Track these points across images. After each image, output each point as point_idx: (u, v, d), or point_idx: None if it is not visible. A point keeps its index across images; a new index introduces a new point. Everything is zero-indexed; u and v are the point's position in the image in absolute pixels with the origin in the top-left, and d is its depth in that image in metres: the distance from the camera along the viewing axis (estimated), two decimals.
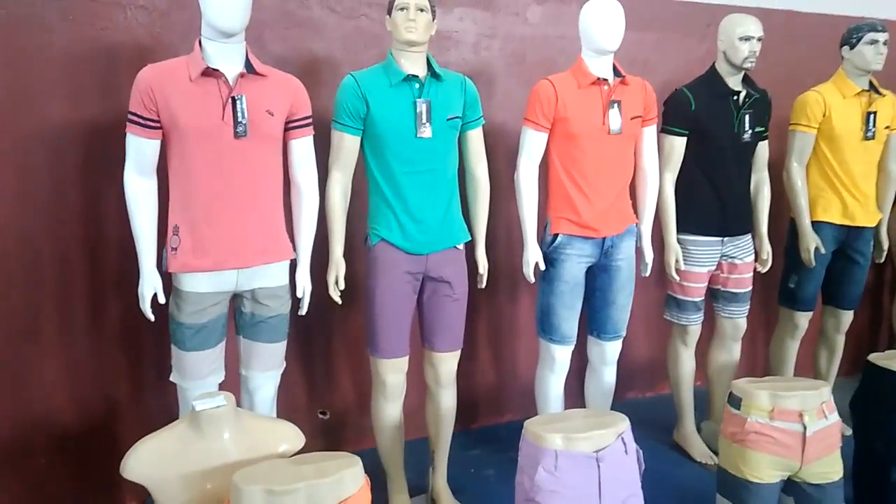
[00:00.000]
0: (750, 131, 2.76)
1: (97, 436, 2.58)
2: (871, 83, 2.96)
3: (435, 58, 2.97)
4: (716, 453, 2.78)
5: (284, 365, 2.32)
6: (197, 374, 2.12)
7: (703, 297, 2.91)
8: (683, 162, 2.80)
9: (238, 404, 2.30)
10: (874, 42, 2.83)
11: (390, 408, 2.45)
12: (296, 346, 2.92)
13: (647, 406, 3.56)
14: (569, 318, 2.60)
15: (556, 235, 2.56)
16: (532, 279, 2.60)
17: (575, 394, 3.08)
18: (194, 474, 1.78)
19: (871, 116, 2.92)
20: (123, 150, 2.06)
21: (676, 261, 2.81)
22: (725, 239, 2.84)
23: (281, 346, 2.25)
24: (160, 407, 2.61)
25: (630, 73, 3.16)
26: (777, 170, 3.09)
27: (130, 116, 2.01)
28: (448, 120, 2.29)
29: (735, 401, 2.22)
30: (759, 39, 2.66)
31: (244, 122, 2.01)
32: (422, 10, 2.20)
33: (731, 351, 3.04)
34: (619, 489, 1.91)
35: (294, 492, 1.59)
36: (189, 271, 2.05)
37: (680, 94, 2.75)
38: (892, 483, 2.38)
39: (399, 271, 2.31)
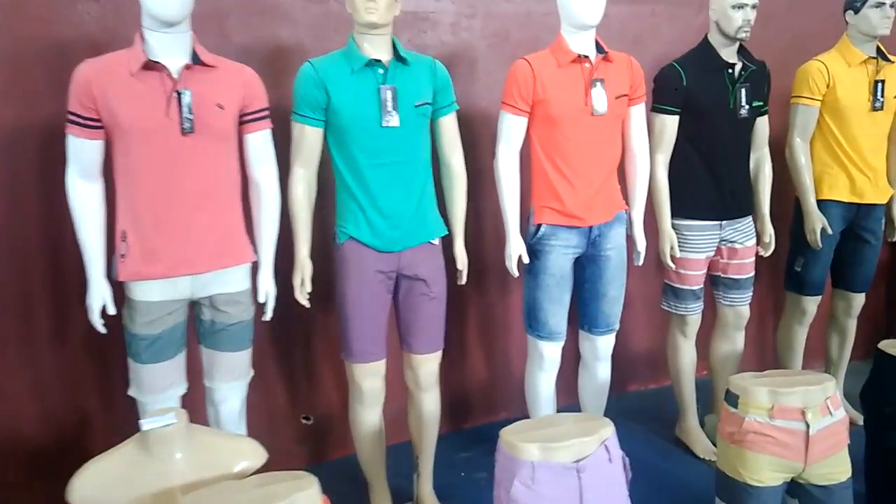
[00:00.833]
0: (747, 106, 2.57)
1: (68, 450, 2.48)
2: (878, 49, 2.75)
3: (411, 41, 2.85)
4: None
5: (251, 374, 2.20)
6: (155, 387, 2.00)
7: (701, 285, 2.74)
8: (676, 142, 2.62)
9: (205, 418, 2.19)
10: (880, 4, 2.62)
11: (368, 414, 2.33)
12: (276, 352, 2.81)
13: (649, 399, 3.41)
14: (556, 312, 2.45)
15: (539, 226, 2.41)
16: (515, 273, 2.45)
17: (575, 391, 2.94)
18: (144, 497, 1.67)
19: (880, 85, 2.72)
20: None
21: (671, 248, 2.64)
22: (724, 223, 2.67)
23: (244, 355, 2.12)
24: (135, 419, 2.51)
25: (621, 49, 2.99)
26: (781, 147, 2.90)
27: (69, 116, 1.89)
28: (416, 107, 2.13)
29: (732, 398, 2.06)
30: (754, 7, 2.47)
31: (191, 117, 1.87)
32: None
33: (734, 340, 2.87)
34: (604, 501, 1.77)
35: None
36: (139, 279, 1.92)
37: (670, 70, 2.57)
38: None
39: (369, 270, 2.17)
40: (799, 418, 1.96)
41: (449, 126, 2.28)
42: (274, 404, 2.84)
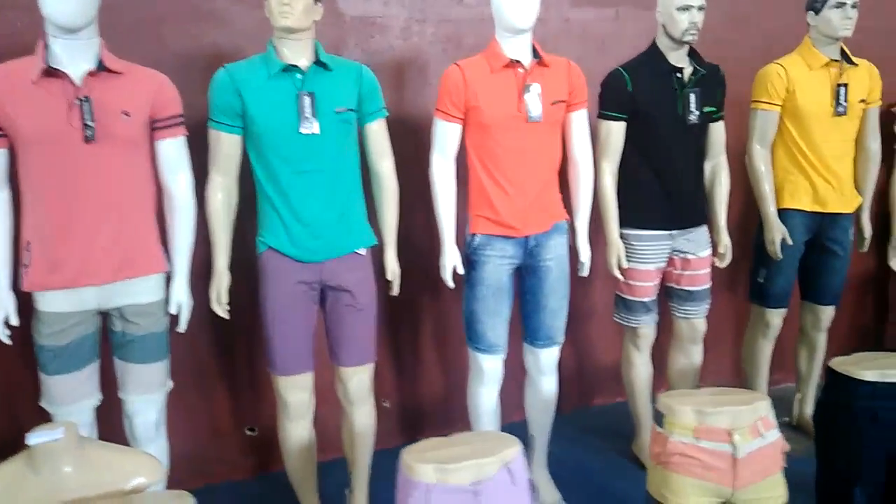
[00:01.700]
0: (697, 112, 2.47)
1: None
2: (842, 52, 2.64)
3: (358, 46, 2.80)
4: None
5: (168, 386, 2.15)
6: (64, 398, 1.97)
7: (653, 297, 2.64)
8: (625, 149, 2.53)
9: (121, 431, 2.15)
10: (841, 5, 2.51)
11: (295, 428, 2.27)
12: (220, 362, 2.77)
13: (613, 413, 3.31)
14: (494, 325, 2.37)
15: (473, 235, 2.34)
16: (450, 284, 2.38)
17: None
18: None
19: (842, 89, 2.60)
20: None
21: (619, 259, 2.55)
22: (674, 232, 2.57)
23: (158, 367, 2.08)
24: None
25: (586, 54, 2.91)
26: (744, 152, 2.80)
27: None
28: (337, 113, 2.08)
29: (659, 417, 1.97)
30: (701, 9, 2.38)
31: (92, 125, 1.84)
32: None
33: (690, 354, 2.77)
34: None
35: None
36: (42, 290, 1.89)
37: (615, 74, 2.49)
38: None
39: (290, 281, 2.12)
40: (725, 440, 1.86)
41: (377, 133, 2.22)
42: (218, 416, 2.80)
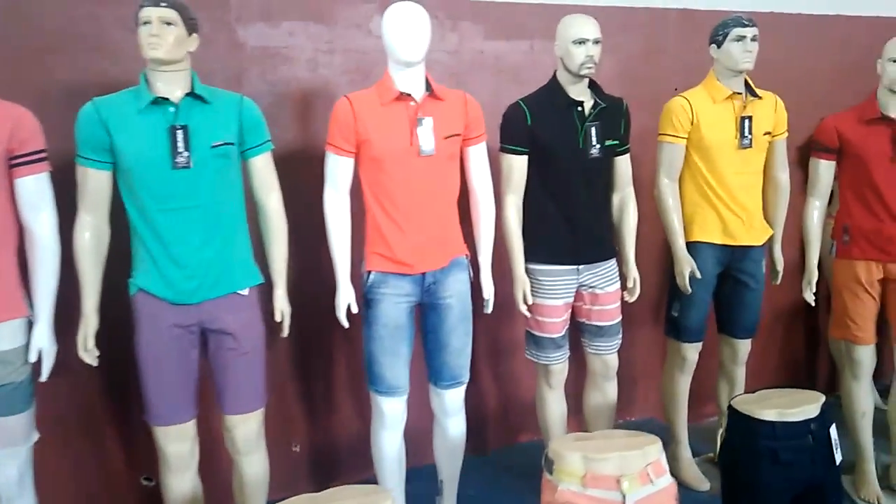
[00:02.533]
0: (598, 146, 2.44)
1: None
2: (746, 84, 2.63)
3: (261, 77, 2.71)
4: None
5: (33, 438, 2.01)
6: None
7: (562, 333, 2.57)
8: (528, 183, 2.48)
9: None
10: (741, 38, 2.51)
11: (177, 481, 2.14)
12: (110, 409, 2.61)
13: (538, 451, 3.20)
14: (393, 365, 2.28)
15: (369, 273, 2.25)
16: (345, 323, 2.29)
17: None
18: None
19: (746, 122, 2.59)
20: None
21: (525, 294, 2.48)
22: (581, 267, 2.51)
23: (19, 420, 1.93)
24: None
25: (499, 86, 2.85)
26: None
27: None
28: (213, 147, 1.99)
29: (548, 464, 1.89)
30: (596, 42, 2.35)
31: None
32: (169, 24, 1.91)
33: (604, 391, 2.70)
34: None
35: None
36: None
37: (514, 108, 2.44)
38: None
39: (163, 325, 2.00)
40: (614, 487, 1.79)
41: (261, 167, 2.13)
42: (109, 464, 2.64)
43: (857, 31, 3.67)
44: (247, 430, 2.16)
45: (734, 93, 2.58)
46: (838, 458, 2.12)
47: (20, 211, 1.93)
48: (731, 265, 2.72)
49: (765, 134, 2.63)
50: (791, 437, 2.04)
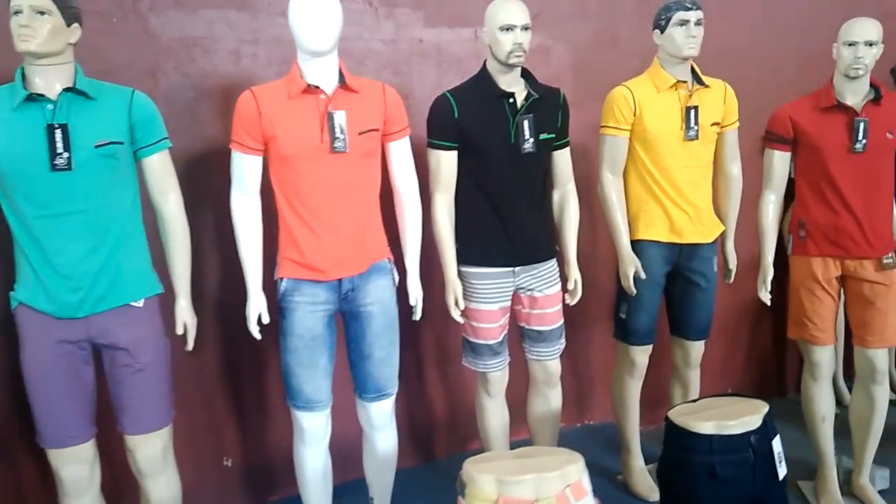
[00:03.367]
0: (532, 140, 2.28)
1: None
2: (693, 72, 2.48)
3: (179, 69, 2.54)
4: None
5: None
6: None
7: (499, 339, 2.42)
8: (459, 180, 2.33)
9: None
10: (684, 23, 2.35)
11: None
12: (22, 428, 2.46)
13: None
14: (311, 378, 2.13)
15: (281, 280, 2.10)
16: (256, 334, 2.14)
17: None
18: None
19: (692, 112, 2.43)
20: None
21: (457, 299, 2.33)
22: (516, 269, 2.37)
23: None
24: None
25: (442, 76, 2.69)
26: None
27: None
28: (98, 147, 1.83)
29: (461, 486, 1.74)
30: (525, 29, 2.19)
31: None
32: (43, 14, 1.74)
33: (547, 399, 2.56)
34: None
35: None
36: None
37: (441, 101, 2.28)
38: None
39: (49, 340, 1.85)
40: None
41: (155, 167, 1.97)
42: (19, 486, 2.48)
43: (824, 13, 3.52)
44: (150, 451, 2.01)
45: (679, 81, 2.42)
46: (782, 472, 1.98)
47: None
48: (679, 264, 2.57)
49: (713, 124, 2.48)
50: (729, 451, 1.90)
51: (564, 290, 2.47)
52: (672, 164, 2.46)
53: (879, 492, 2.71)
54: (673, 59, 2.41)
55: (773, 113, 2.61)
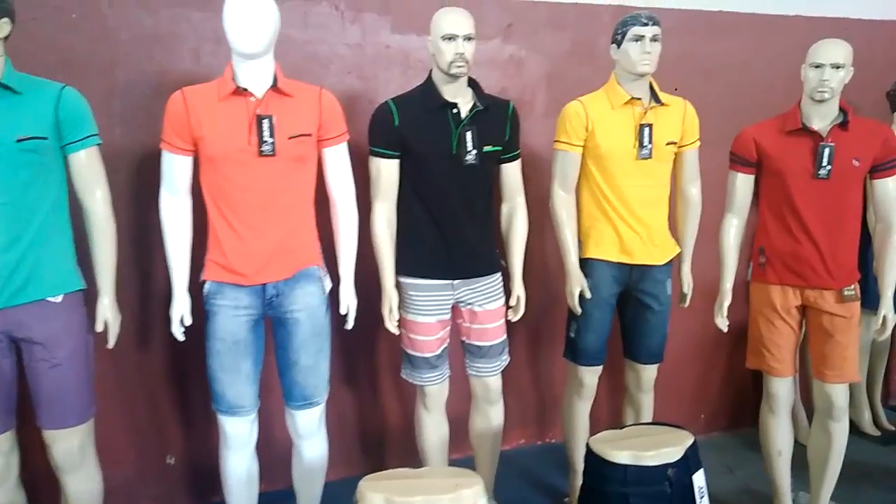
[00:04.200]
0: (475, 151, 2.24)
1: None
2: (651, 89, 2.41)
3: (139, 66, 2.54)
4: None
5: None
6: None
7: (437, 352, 2.38)
8: (401, 190, 2.30)
9: None
10: (639, 38, 2.29)
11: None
12: None
13: None
14: (234, 383, 2.12)
15: (205, 282, 2.09)
16: (179, 336, 2.13)
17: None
18: None
19: (646, 130, 2.37)
20: None
21: (391, 310, 2.30)
22: (456, 282, 2.32)
23: None
24: None
25: (408, 82, 2.67)
26: None
27: None
28: (19, 142, 1.83)
29: None
30: (468, 38, 2.15)
31: None
32: None
33: (488, 416, 2.51)
34: None
35: None
36: None
37: (382, 108, 2.25)
38: None
39: None
40: None
41: (82, 164, 1.97)
42: None
43: (820, 33, 3.42)
44: (66, 446, 2.01)
45: (634, 98, 2.36)
46: None
47: None
48: (630, 285, 2.50)
49: (668, 144, 2.40)
50: (644, 482, 1.84)
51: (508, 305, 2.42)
52: (624, 183, 2.39)
53: None
54: (629, 76, 2.35)
55: (738, 134, 2.53)
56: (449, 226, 2.27)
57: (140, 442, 2.70)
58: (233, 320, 2.07)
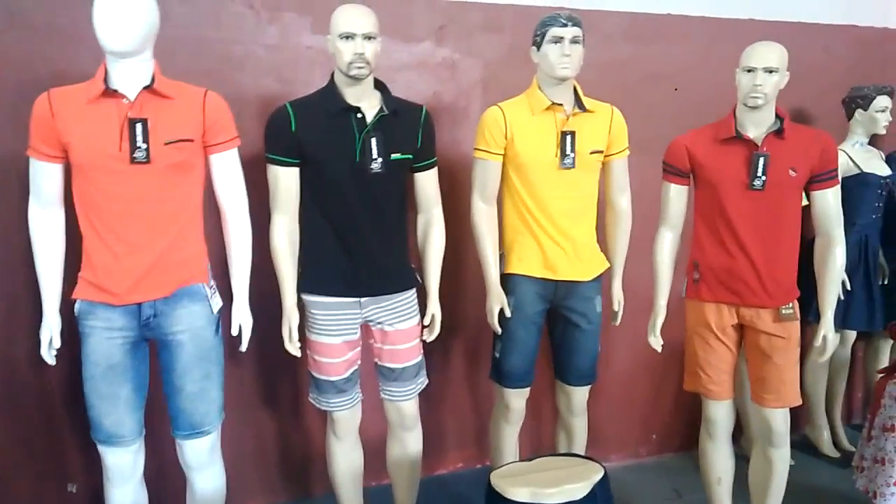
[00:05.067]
0: (380, 159, 2.07)
1: None
2: (576, 94, 2.26)
3: (48, 63, 2.36)
4: None
5: None
6: None
7: (344, 376, 2.22)
8: (303, 201, 2.13)
9: None
10: (558, 40, 2.14)
11: None
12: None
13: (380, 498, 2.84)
14: (110, 411, 1.94)
15: (75, 301, 1.92)
16: (49, 361, 1.97)
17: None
18: None
19: (568, 138, 2.21)
20: None
21: (290, 330, 2.13)
22: (363, 300, 2.16)
23: None
24: None
25: (394, 86, 2.51)
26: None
27: None
28: None
29: None
30: (369, 38, 2.00)
31: None
32: None
33: (404, 443, 2.34)
34: None
35: None
36: None
37: (278, 112, 2.09)
38: None
39: None
40: None
41: None
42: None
43: (775, 37, 3.28)
44: None
45: (555, 104, 2.20)
46: None
47: None
48: (556, 302, 2.35)
49: (593, 152, 2.25)
50: None
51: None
52: (547, 194, 2.23)
53: None
54: (550, 80, 2.20)
55: (671, 142, 2.38)
56: (353, 239, 2.11)
57: (38, 469, 2.52)
58: (106, 343, 1.90)
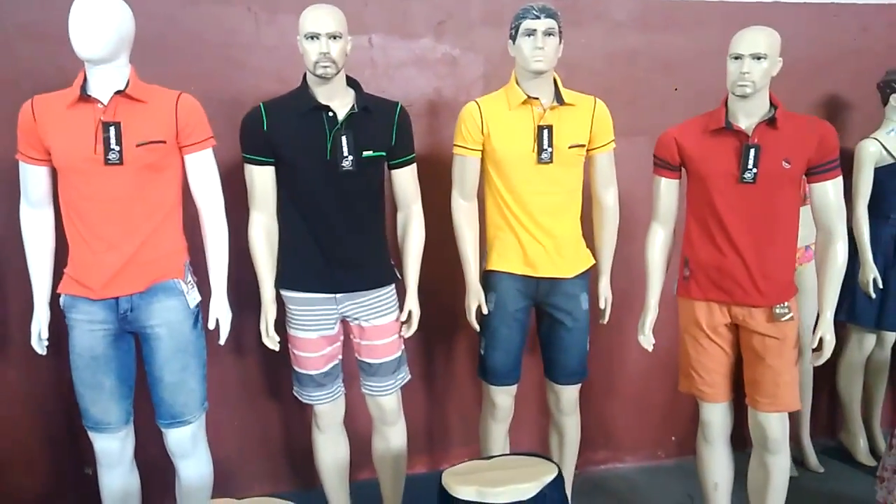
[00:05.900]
0: (351, 157, 2.09)
1: None
2: (556, 87, 2.21)
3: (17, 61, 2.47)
4: None
5: None
6: None
7: (323, 370, 2.26)
8: (279, 199, 2.18)
9: None
10: (531, 33, 2.10)
11: None
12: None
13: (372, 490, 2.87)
14: (96, 399, 2.06)
15: (60, 295, 2.03)
16: (40, 351, 2.08)
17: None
18: None
19: (545, 132, 2.17)
20: None
21: (267, 325, 2.19)
22: (339, 296, 2.19)
23: None
24: None
25: (378, 86, 2.56)
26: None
27: None
28: None
29: None
30: (335, 37, 2.01)
31: None
32: None
33: (387, 438, 2.36)
34: None
35: None
36: None
37: (251, 113, 2.14)
38: None
39: None
40: None
41: None
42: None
43: (804, 19, 3.10)
44: None
45: (531, 98, 2.16)
46: None
47: None
48: (540, 299, 2.31)
49: (572, 147, 2.20)
50: None
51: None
52: (526, 190, 2.20)
53: None
54: (527, 74, 2.16)
55: (660, 136, 2.30)
56: (327, 236, 2.14)
57: (57, 452, 2.68)
58: (89, 335, 2.00)
